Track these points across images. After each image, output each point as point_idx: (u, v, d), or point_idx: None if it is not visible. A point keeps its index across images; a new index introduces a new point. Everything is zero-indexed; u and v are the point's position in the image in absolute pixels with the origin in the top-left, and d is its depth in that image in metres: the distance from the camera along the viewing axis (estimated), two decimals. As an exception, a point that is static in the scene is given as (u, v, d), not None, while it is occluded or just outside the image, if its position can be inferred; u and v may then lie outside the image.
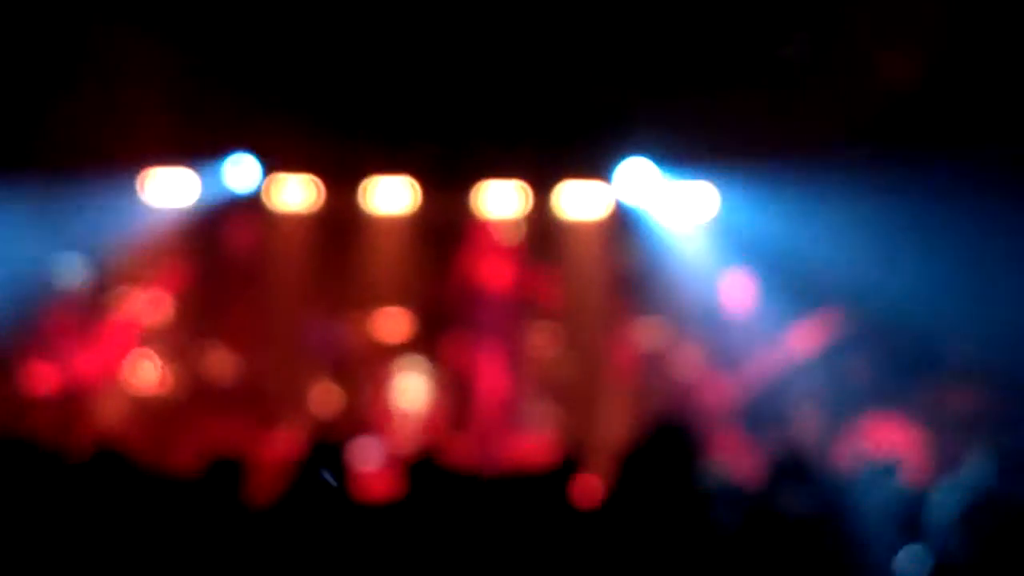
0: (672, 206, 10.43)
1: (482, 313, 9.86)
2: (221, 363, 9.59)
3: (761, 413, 8.92)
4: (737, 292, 9.14)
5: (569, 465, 5.65)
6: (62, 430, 8.02)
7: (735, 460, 8.53)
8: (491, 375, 9.81)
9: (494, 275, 9.77)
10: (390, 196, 10.53)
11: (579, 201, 10.76)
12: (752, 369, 8.68)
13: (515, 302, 9.85)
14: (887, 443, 8.39)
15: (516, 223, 9.97)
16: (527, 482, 4.62)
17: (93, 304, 9.44)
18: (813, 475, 5.21)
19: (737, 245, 9.91)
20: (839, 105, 9.37)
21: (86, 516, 4.02)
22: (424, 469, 5.03)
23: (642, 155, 10.33)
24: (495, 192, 10.53)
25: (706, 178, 10.43)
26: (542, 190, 10.65)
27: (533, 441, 9.51)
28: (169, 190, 10.18)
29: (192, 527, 4.01)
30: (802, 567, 4.28)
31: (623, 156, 10.39)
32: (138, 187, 10.11)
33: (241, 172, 10.21)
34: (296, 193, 10.46)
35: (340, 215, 10.58)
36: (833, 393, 9.33)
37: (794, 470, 5.22)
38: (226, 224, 10.21)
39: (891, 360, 9.21)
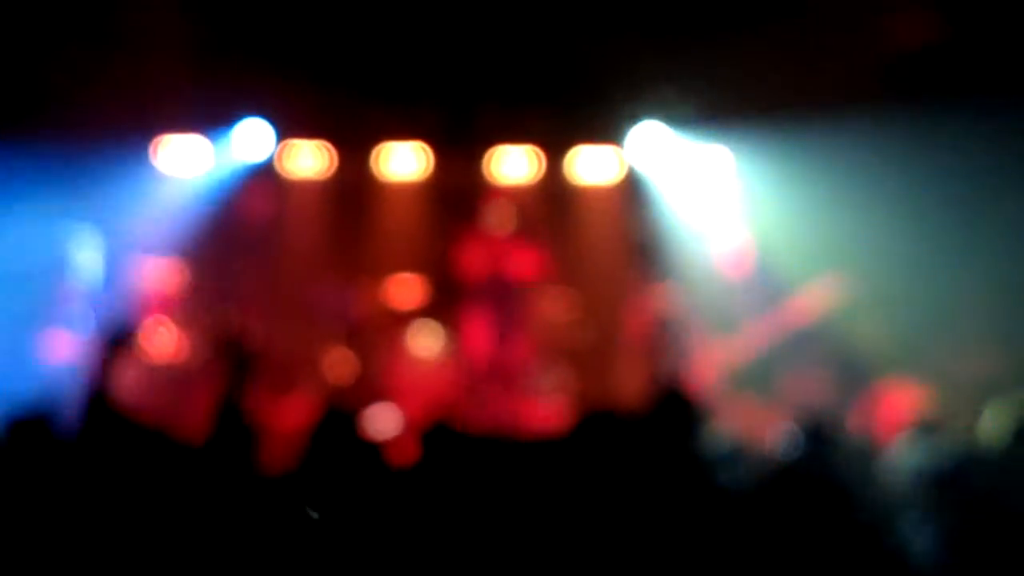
0: (685, 170, 10.40)
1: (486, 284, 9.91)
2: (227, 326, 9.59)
3: (768, 377, 8.91)
4: (739, 255, 9.09)
5: (582, 429, 5.66)
6: (77, 397, 8.03)
7: (745, 425, 8.54)
8: (503, 340, 9.82)
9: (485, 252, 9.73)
10: (402, 161, 10.50)
11: (592, 166, 10.73)
12: (756, 332, 8.66)
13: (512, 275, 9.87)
14: (902, 408, 8.36)
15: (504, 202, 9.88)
16: (540, 446, 4.60)
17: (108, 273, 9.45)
18: (829, 439, 5.19)
19: (747, 208, 9.90)
20: (852, 60, 9.31)
21: (102, 484, 4.01)
22: (438, 434, 5.02)
23: (654, 119, 10.31)
24: (507, 157, 10.50)
25: (718, 141, 10.42)
26: (555, 155, 10.63)
27: (547, 406, 9.52)
28: (182, 158, 10.17)
29: (205, 494, 4.00)
30: (814, 530, 4.27)
31: (635, 120, 10.35)
32: (151, 155, 10.10)
33: (254, 138, 10.18)
34: (308, 159, 10.43)
35: (352, 181, 10.56)
36: (845, 358, 9.33)
37: (811, 434, 5.21)
38: (239, 191, 10.19)
39: (903, 325, 9.19)
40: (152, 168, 10.14)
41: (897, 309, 9.27)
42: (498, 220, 9.72)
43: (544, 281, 9.75)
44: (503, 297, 9.70)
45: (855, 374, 8.96)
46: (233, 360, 4.76)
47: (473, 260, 9.68)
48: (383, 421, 5.81)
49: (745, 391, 8.66)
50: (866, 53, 9.43)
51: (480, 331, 9.81)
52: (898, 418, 8.39)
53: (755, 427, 8.57)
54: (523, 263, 9.64)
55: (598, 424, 5.68)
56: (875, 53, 9.49)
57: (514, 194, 10.12)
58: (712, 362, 8.64)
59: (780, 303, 8.77)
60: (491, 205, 9.79)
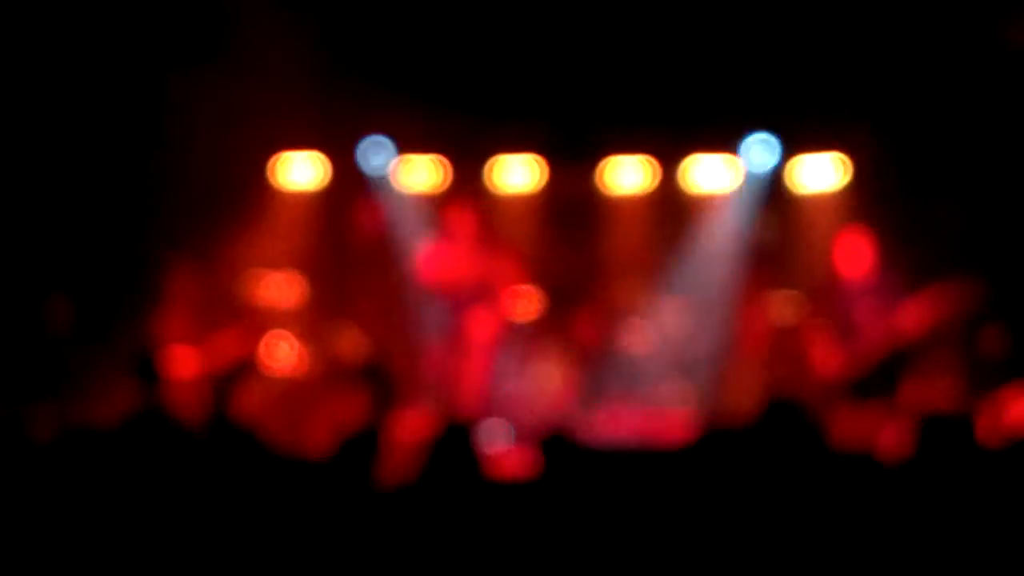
0: (801, 177, 10.26)
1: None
2: (354, 344, 9.66)
3: (886, 385, 8.70)
4: (856, 259, 8.86)
5: (705, 441, 5.58)
6: (201, 411, 8.14)
7: (867, 432, 8.35)
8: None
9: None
10: (516, 174, 10.50)
11: (707, 174, 10.62)
12: (875, 339, 8.42)
13: None
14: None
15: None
16: (663, 458, 4.54)
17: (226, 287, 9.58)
18: (956, 449, 5.03)
19: (868, 214, 9.70)
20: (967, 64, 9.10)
21: (219, 496, 4.04)
22: (557, 447, 4.99)
23: (769, 127, 10.19)
24: (621, 167, 10.45)
25: (835, 148, 10.26)
26: (669, 164, 10.54)
27: (668, 417, 9.43)
28: (300, 173, 10.29)
29: (324, 508, 4.02)
30: (941, 539, 4.15)
31: (751, 128, 10.24)
32: (269, 171, 10.23)
33: (375, 154, 10.26)
34: (422, 174, 10.48)
35: (467, 194, 10.59)
36: (968, 366, 9.08)
37: (937, 442, 5.06)
38: (357, 206, 10.27)
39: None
40: (270, 184, 10.31)
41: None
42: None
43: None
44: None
45: (982, 380, 8.74)
46: (374, 382, 4.84)
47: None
48: (500, 434, 5.81)
49: (866, 398, 8.46)
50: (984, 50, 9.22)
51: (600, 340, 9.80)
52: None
53: (878, 435, 8.43)
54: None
55: (716, 437, 5.62)
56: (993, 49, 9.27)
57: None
58: (832, 369, 8.44)
59: (902, 307, 8.53)
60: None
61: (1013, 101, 9.21)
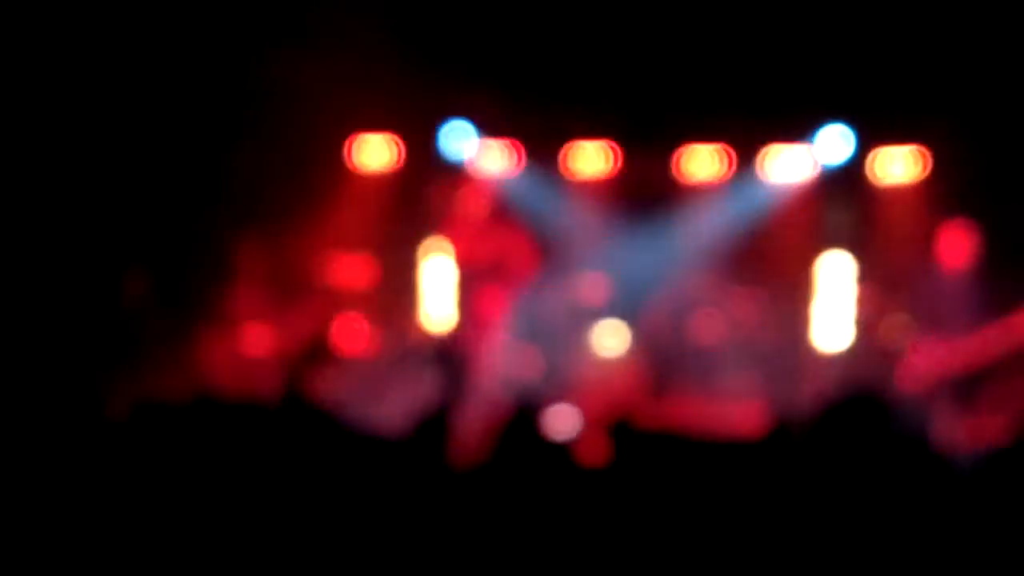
0: (879, 167, 10.14)
1: None
2: (423, 326, 9.72)
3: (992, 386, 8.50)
4: (954, 250, 8.54)
5: (776, 434, 5.52)
6: (275, 391, 8.21)
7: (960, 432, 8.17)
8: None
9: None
10: (590, 160, 10.47)
11: (784, 164, 10.53)
12: (982, 340, 8.10)
13: None
14: None
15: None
16: (733, 449, 4.49)
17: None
18: None
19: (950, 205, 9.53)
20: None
21: (292, 474, 4.06)
22: (621, 434, 4.98)
23: (846, 117, 10.07)
24: (696, 155, 10.39)
25: (915, 138, 10.12)
26: (745, 153, 10.46)
27: (739, 409, 9.36)
28: (375, 154, 10.32)
29: (397, 487, 4.03)
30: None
31: (827, 119, 10.14)
32: (345, 151, 10.27)
33: (457, 138, 10.27)
34: (496, 158, 10.47)
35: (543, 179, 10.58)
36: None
37: None
38: (433, 188, 10.26)
39: None
40: (345, 164, 10.36)
41: None
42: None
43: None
44: None
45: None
46: (446, 365, 4.87)
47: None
48: (565, 420, 5.80)
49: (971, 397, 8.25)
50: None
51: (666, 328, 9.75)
52: None
53: (971, 435, 8.26)
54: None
55: (785, 430, 5.55)
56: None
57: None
58: (928, 366, 8.18)
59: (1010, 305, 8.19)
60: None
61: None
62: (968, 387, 8.08)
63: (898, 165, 10.21)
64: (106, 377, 8.74)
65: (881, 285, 9.30)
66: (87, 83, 9.42)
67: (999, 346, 7.92)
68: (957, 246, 8.28)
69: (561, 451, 4.59)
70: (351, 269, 9.76)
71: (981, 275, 8.27)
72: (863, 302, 9.41)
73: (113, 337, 9.26)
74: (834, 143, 10.17)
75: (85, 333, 9.18)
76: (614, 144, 10.73)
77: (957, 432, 8.02)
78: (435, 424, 4.68)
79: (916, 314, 8.33)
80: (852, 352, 9.40)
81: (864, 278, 9.66)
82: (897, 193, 10.39)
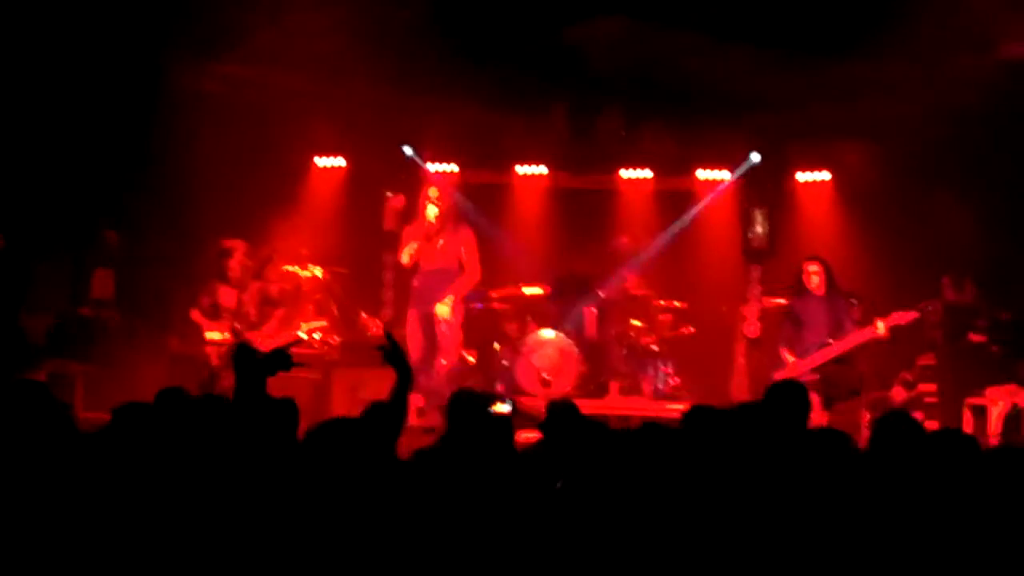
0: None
1: None
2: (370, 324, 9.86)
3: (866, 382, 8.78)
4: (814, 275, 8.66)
5: (697, 417, 5.69)
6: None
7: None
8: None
9: None
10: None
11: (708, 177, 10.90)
12: (844, 340, 8.45)
13: None
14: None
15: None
16: (661, 431, 4.58)
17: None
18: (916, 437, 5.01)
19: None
20: None
21: (252, 464, 4.08)
22: (562, 416, 5.13)
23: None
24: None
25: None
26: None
27: (664, 403, 9.57)
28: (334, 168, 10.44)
29: (347, 470, 3.99)
30: None
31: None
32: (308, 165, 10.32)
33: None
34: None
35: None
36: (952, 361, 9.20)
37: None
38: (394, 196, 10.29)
39: (1009, 328, 9.01)
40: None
41: None
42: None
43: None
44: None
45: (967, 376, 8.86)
46: (395, 362, 4.89)
47: None
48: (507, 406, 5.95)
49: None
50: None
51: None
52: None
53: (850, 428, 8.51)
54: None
55: (708, 415, 5.74)
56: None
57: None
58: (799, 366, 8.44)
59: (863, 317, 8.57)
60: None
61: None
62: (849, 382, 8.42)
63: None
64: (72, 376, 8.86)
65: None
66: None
67: (851, 344, 8.28)
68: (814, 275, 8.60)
69: (503, 434, 4.74)
70: (306, 274, 9.89)
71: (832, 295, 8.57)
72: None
73: (80, 336, 9.32)
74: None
75: (54, 333, 9.25)
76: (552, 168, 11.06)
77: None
78: (387, 415, 4.73)
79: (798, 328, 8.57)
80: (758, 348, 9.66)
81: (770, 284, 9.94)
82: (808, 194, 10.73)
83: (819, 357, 8.35)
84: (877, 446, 4.43)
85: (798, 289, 8.66)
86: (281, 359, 4.83)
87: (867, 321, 8.39)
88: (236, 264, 9.02)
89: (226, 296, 9.03)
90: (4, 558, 3.63)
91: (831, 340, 8.36)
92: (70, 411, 4.47)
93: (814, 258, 8.72)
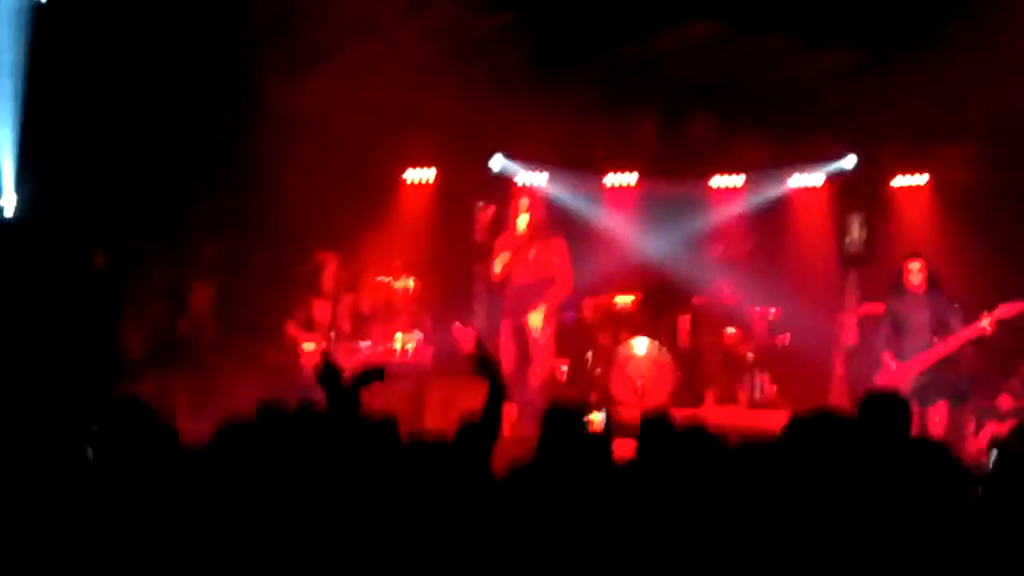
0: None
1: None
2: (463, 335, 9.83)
3: (970, 388, 8.57)
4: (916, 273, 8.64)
5: (796, 431, 5.61)
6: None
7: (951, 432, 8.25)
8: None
9: None
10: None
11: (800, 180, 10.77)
12: (949, 340, 8.22)
13: None
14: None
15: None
16: (757, 448, 4.54)
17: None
18: None
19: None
20: None
21: (352, 482, 4.10)
22: (656, 430, 5.07)
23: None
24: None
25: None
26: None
27: (760, 412, 9.47)
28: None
29: (443, 492, 4.00)
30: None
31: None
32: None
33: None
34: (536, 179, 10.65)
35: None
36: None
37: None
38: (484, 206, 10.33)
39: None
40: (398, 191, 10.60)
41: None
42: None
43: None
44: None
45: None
46: (488, 373, 4.90)
47: None
48: (602, 417, 5.91)
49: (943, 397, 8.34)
50: None
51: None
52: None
53: (958, 432, 8.34)
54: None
55: (810, 428, 5.66)
56: None
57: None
58: (902, 372, 8.29)
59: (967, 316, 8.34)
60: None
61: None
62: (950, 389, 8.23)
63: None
64: (172, 390, 8.98)
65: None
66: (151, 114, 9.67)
67: (957, 343, 8.07)
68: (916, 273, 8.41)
69: (599, 447, 4.71)
70: (404, 284, 9.94)
71: (939, 295, 8.38)
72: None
73: (179, 350, 9.46)
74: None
75: (154, 347, 9.40)
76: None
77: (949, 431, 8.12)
78: (481, 429, 4.73)
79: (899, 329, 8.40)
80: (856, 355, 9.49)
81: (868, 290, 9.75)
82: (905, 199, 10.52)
83: (923, 360, 8.15)
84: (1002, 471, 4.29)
85: (899, 289, 8.46)
86: (374, 373, 4.88)
87: (970, 321, 8.17)
88: (329, 277, 9.10)
89: (320, 310, 9.10)
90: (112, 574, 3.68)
91: (934, 341, 8.16)
92: (173, 425, 4.52)
93: (915, 255, 8.49)
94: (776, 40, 9.59)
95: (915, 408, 7.07)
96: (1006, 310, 7.98)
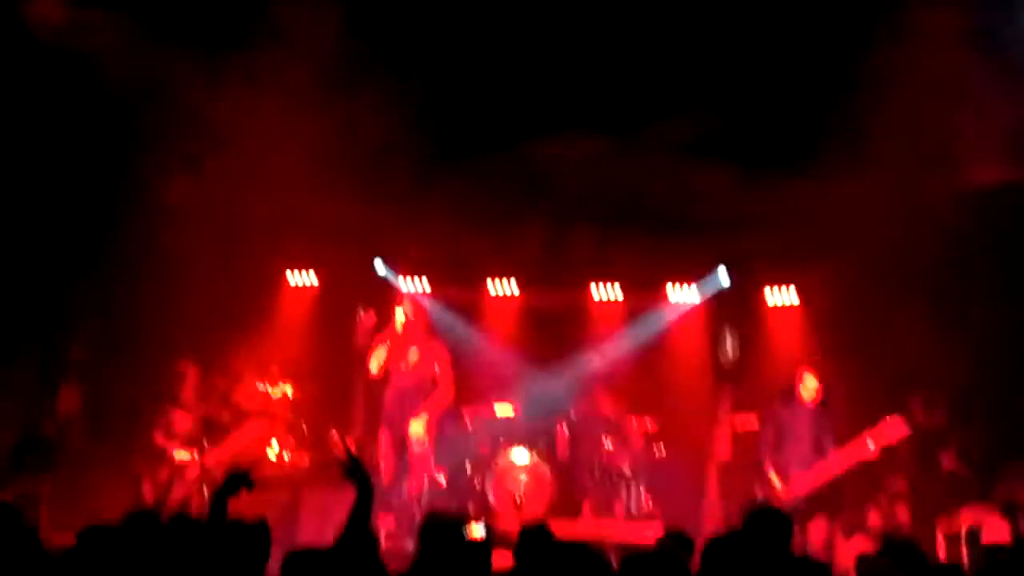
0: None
1: None
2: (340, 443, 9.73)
3: (843, 503, 8.72)
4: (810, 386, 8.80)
5: (674, 544, 5.64)
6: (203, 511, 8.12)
7: (821, 545, 8.36)
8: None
9: None
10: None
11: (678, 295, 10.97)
12: (835, 460, 8.40)
13: None
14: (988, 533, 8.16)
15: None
16: (638, 558, 4.53)
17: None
18: (913, 565, 5.01)
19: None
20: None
21: None
22: (534, 540, 5.05)
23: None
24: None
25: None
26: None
27: (640, 524, 9.46)
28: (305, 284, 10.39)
29: None
30: None
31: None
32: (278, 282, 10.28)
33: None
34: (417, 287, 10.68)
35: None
36: (924, 484, 9.15)
37: (901, 561, 5.03)
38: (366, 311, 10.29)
39: (978, 451, 9.00)
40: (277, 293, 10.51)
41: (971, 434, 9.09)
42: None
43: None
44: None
45: (940, 498, 8.81)
46: (356, 477, 4.86)
47: None
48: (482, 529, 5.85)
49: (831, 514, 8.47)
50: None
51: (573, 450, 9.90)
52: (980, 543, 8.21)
53: (831, 548, 8.46)
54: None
55: (687, 541, 5.70)
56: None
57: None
58: (786, 490, 8.41)
59: (850, 435, 8.54)
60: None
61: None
62: (826, 505, 8.37)
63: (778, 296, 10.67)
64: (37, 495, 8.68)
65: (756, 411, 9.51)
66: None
67: (845, 465, 8.23)
68: (810, 384, 8.61)
69: (479, 557, 4.67)
70: (274, 392, 9.80)
71: (826, 409, 8.59)
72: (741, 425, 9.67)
73: (44, 454, 9.17)
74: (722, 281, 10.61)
75: (18, 450, 9.10)
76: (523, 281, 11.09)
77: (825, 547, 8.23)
78: (349, 536, 4.67)
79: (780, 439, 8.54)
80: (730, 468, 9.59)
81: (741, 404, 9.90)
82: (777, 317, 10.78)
83: (814, 479, 8.25)
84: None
85: (788, 399, 8.58)
86: (240, 478, 4.80)
87: (847, 439, 8.31)
88: (189, 388, 9.01)
89: (180, 420, 8.98)
90: None
91: (817, 457, 8.27)
92: (37, 533, 4.39)
93: (813, 368, 8.64)
94: (655, 156, 9.81)
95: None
96: (888, 432, 8.12)
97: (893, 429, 8.14)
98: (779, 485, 8.29)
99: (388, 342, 8.87)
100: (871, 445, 8.10)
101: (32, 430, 9.38)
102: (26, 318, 9.67)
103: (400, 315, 8.88)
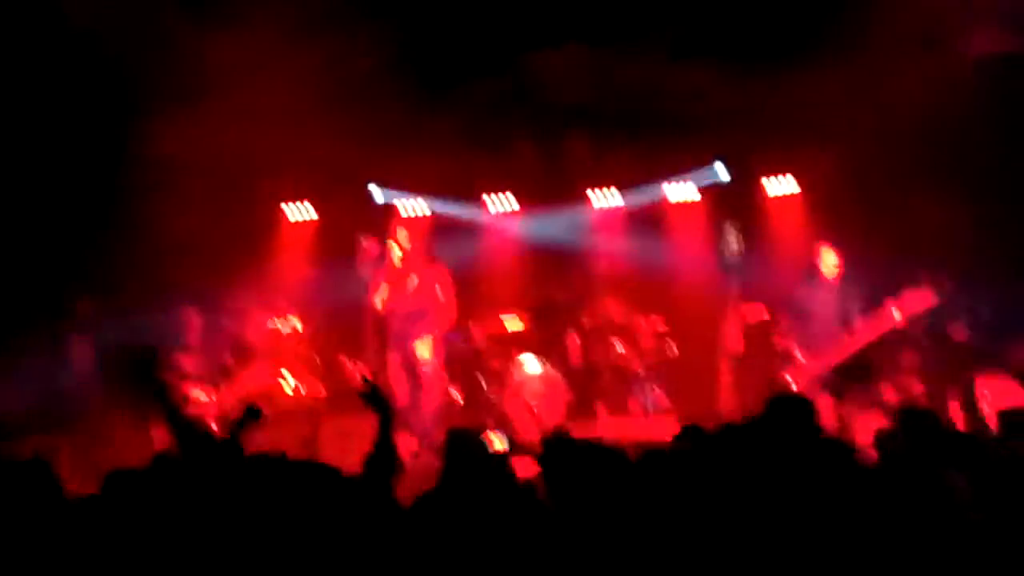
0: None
1: None
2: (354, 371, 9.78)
3: (861, 379, 8.74)
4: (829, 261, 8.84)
5: (689, 438, 5.66)
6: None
7: (843, 423, 8.42)
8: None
9: None
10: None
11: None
12: (862, 331, 8.45)
13: None
14: (1002, 399, 8.19)
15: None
16: (657, 456, 4.56)
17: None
18: (930, 434, 5.02)
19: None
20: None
21: (248, 523, 4.01)
22: (557, 447, 5.08)
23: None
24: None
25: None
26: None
27: (653, 421, 9.55)
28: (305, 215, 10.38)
29: (348, 524, 3.96)
30: (922, 523, 4.14)
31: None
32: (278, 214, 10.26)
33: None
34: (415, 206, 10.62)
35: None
36: (936, 355, 9.19)
37: (911, 431, 5.03)
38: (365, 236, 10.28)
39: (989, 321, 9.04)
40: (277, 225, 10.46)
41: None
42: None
43: None
44: None
45: (952, 369, 8.85)
46: (377, 405, 4.88)
47: None
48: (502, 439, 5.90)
49: (844, 391, 8.51)
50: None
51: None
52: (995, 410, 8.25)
53: (853, 425, 8.52)
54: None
55: (705, 434, 5.72)
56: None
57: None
58: (812, 365, 8.45)
59: (874, 307, 8.54)
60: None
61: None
62: (845, 381, 8.39)
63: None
64: (58, 447, 8.74)
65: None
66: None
67: (871, 336, 8.24)
68: (830, 260, 8.59)
69: (501, 467, 4.71)
70: (283, 326, 9.83)
71: (845, 283, 8.58)
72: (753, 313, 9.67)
73: (62, 409, 9.23)
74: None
75: (34, 405, 9.16)
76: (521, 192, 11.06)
77: (845, 425, 8.28)
78: (376, 462, 4.71)
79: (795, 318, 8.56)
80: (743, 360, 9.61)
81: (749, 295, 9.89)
82: (779, 207, 10.75)
83: (837, 354, 8.26)
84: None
85: (811, 278, 8.56)
86: (251, 414, 4.83)
87: (872, 309, 8.27)
88: (194, 332, 9.06)
89: (191, 364, 9.04)
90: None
91: (844, 333, 8.26)
92: (62, 487, 4.42)
93: (831, 244, 8.58)
94: (641, 58, 9.74)
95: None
96: (913, 301, 8.10)
97: (919, 298, 8.12)
98: (805, 362, 8.29)
99: (389, 277, 8.88)
100: (897, 315, 8.08)
101: (47, 387, 9.42)
102: (34, 278, 9.67)
103: (395, 249, 8.87)
